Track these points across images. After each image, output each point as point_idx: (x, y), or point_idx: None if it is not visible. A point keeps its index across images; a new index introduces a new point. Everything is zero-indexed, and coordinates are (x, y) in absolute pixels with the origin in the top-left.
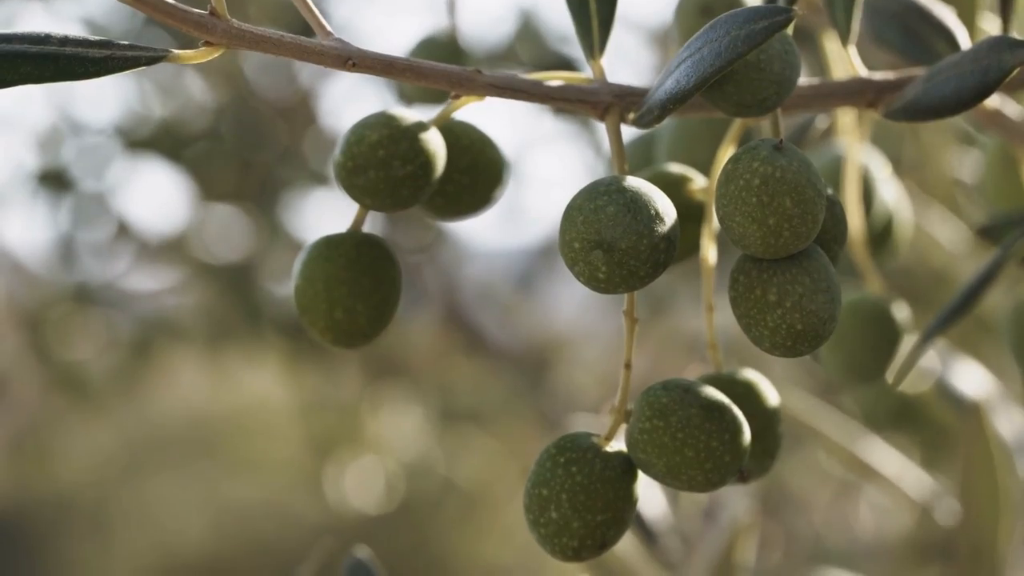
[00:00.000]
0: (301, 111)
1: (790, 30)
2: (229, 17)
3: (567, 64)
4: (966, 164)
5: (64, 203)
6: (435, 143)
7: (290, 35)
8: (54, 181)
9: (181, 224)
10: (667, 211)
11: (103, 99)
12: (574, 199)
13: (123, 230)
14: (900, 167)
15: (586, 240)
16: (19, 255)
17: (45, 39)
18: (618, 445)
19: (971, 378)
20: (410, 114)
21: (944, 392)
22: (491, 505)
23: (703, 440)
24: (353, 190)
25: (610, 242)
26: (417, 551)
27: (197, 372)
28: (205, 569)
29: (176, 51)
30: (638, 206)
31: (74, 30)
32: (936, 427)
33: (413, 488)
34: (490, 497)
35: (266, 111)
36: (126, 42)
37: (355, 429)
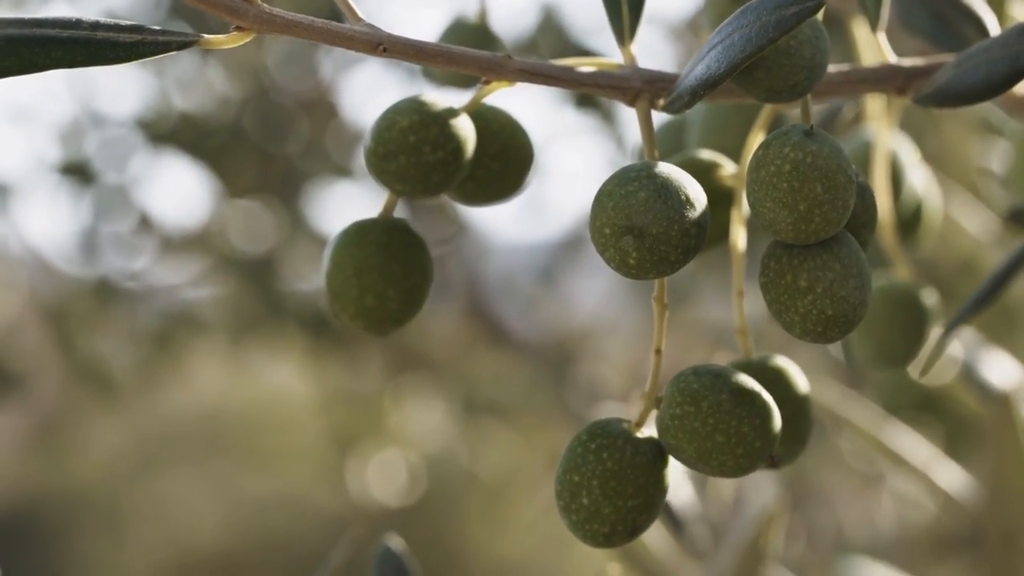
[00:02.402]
0: (323, 104)
1: (820, 16)
2: (261, 2)
3: (589, 56)
4: (990, 152)
5: (86, 196)
6: (466, 129)
7: (321, 20)
8: (76, 174)
9: (203, 217)
10: (698, 197)
11: (125, 92)
12: (604, 185)
13: (145, 223)
14: (922, 156)
15: (616, 225)
16: (41, 249)
17: (76, 23)
18: (649, 431)
19: (999, 367)
20: (441, 100)
21: (972, 381)
22: (513, 498)
23: (734, 425)
24: (384, 176)
25: (641, 227)
26: (438, 543)
27: (217, 366)
28: (221, 564)
29: (207, 36)
30: (669, 192)
31: None
32: (957, 418)
33: (435, 481)
34: (512, 490)
35: (288, 104)
36: (157, 27)
37: (377, 422)
